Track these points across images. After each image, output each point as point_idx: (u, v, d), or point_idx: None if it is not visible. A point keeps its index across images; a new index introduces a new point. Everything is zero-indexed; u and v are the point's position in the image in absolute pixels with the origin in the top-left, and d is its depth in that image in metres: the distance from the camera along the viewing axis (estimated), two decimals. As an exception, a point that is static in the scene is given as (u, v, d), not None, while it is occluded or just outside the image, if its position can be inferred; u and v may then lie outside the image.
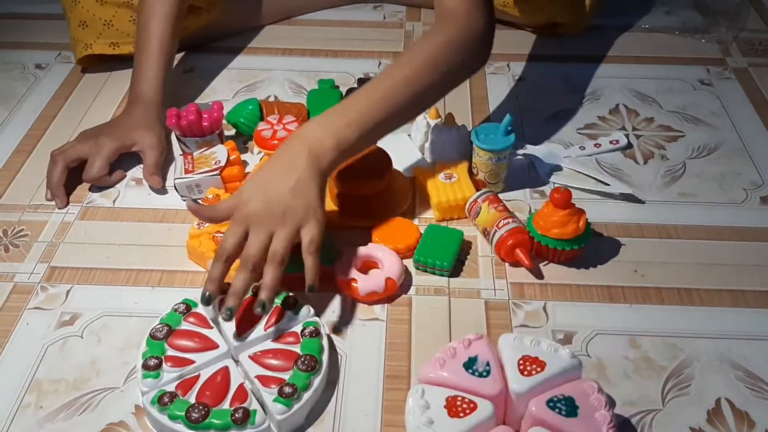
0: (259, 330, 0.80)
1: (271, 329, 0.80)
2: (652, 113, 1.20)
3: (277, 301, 0.82)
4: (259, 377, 0.76)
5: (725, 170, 1.09)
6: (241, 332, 0.79)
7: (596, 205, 1.01)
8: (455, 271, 0.93)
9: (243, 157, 1.09)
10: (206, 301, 0.79)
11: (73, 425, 0.76)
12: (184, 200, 1.03)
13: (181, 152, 1.09)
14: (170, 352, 0.78)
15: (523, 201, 1.04)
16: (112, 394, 0.79)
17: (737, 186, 1.06)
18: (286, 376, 0.76)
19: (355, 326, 0.87)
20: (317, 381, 0.77)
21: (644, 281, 0.92)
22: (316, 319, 0.83)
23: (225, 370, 0.77)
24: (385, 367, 0.82)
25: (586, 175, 1.07)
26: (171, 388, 0.75)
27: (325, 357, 0.79)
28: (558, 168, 1.09)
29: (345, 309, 0.89)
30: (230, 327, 0.80)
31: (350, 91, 1.20)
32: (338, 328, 0.86)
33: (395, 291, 0.90)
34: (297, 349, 0.79)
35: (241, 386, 0.75)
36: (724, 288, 0.91)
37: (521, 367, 0.74)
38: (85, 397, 0.79)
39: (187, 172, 1.02)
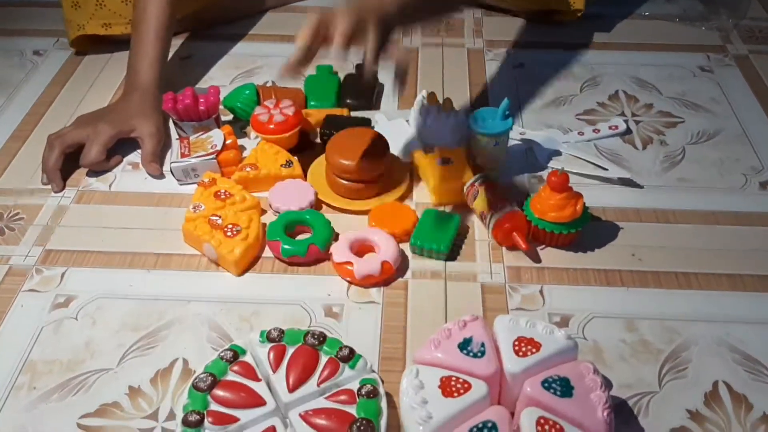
0: (312, 385, 0.74)
1: (325, 384, 0.74)
2: (651, 99, 1.20)
3: (332, 353, 0.77)
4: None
5: (725, 156, 1.08)
6: (293, 386, 0.74)
7: (594, 190, 1.01)
8: (452, 255, 0.93)
9: (240, 141, 1.09)
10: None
11: (67, 406, 0.76)
12: (181, 184, 1.03)
13: (177, 137, 1.08)
14: (213, 407, 0.72)
15: (521, 185, 1.03)
16: (106, 375, 0.79)
17: (736, 171, 1.05)
18: None
19: (351, 309, 0.86)
20: None
21: (642, 265, 0.91)
22: (375, 375, 0.76)
23: (272, 431, 0.71)
24: (380, 349, 0.82)
25: (585, 160, 1.06)
26: None
27: (383, 422, 0.71)
28: (557, 153, 1.08)
29: (340, 291, 0.88)
30: (280, 380, 0.74)
31: (349, 77, 1.20)
32: (333, 310, 0.86)
33: (391, 274, 0.90)
34: (352, 410, 0.71)
35: None
36: (723, 272, 0.90)
37: (516, 348, 0.73)
38: (79, 378, 0.79)
39: (183, 156, 1.01)
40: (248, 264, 0.91)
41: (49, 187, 1.03)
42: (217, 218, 0.92)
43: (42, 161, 1.03)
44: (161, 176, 1.05)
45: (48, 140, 1.04)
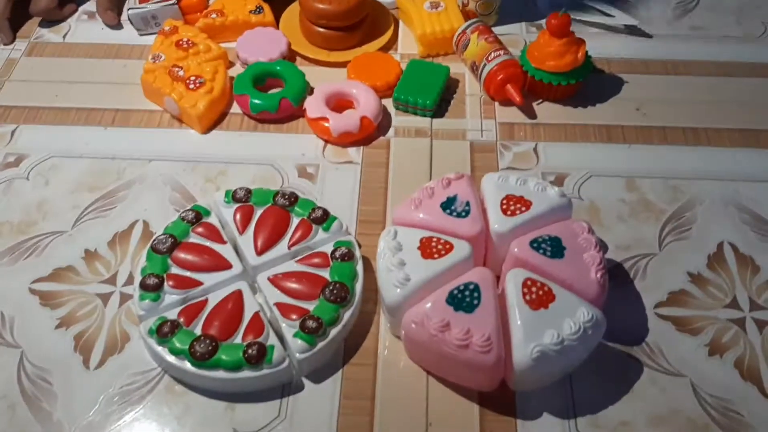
0: (282, 247, 0.68)
1: (296, 247, 0.68)
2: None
3: (304, 214, 0.70)
4: (279, 305, 0.64)
5: (743, 1, 0.97)
6: (262, 249, 0.68)
7: (598, 39, 0.91)
8: (439, 110, 0.85)
9: (206, -13, 0.98)
10: None
11: (18, 269, 0.70)
12: (140, 34, 0.93)
13: (134, -20, 0.97)
14: (174, 270, 0.66)
15: (518, 35, 0.93)
16: (61, 238, 0.73)
17: (755, 18, 0.95)
18: (310, 306, 0.63)
19: (327, 169, 0.79)
20: (347, 315, 0.64)
21: (647, 120, 0.83)
22: (351, 238, 0.70)
23: (237, 295, 0.65)
24: (358, 211, 0.75)
25: (589, 5, 0.95)
26: (173, 315, 0.63)
27: (358, 286, 0.66)
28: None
29: (315, 150, 0.81)
30: (248, 243, 0.68)
31: None
32: (307, 171, 0.79)
33: (371, 131, 0.82)
34: (325, 274, 0.66)
35: (256, 315, 0.63)
36: (735, 127, 0.82)
37: (504, 206, 0.67)
38: (31, 240, 0.73)
39: (141, 1, 0.91)
40: (213, 120, 0.83)
41: (-3, 38, 0.93)
42: (179, 69, 0.83)
43: None
44: (119, 26, 0.95)
45: None
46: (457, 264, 0.62)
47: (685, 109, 0.84)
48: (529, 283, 0.61)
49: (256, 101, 0.82)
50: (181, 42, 0.86)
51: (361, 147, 0.81)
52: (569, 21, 0.79)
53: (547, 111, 0.84)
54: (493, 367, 0.58)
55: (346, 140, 0.81)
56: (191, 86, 0.82)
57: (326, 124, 0.80)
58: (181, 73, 0.83)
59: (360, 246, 0.69)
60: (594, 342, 0.61)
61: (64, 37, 0.94)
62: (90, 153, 0.80)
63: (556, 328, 0.58)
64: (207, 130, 0.82)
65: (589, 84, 0.85)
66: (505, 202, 0.67)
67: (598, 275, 0.62)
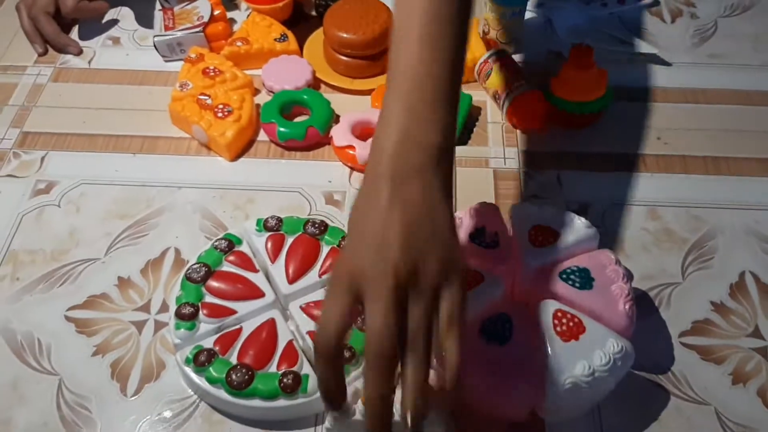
0: (313, 276, 0.69)
1: (328, 275, 0.68)
2: (682, -33, 1.09)
3: (334, 242, 0.71)
4: (312, 334, 0.64)
5: (760, 30, 0.99)
6: (293, 277, 0.69)
7: (618, 68, 0.92)
8: (462, 138, 0.86)
9: (229, 14, 0.99)
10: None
11: (52, 297, 0.71)
12: (166, 61, 0.94)
13: (160, 7, 0.98)
14: (208, 299, 0.67)
15: (538, 62, 0.94)
16: (94, 266, 0.74)
17: (773, 47, 0.97)
18: None
19: (353, 196, 0.80)
20: None
21: (667, 149, 0.85)
22: None
23: (271, 324, 0.66)
24: (385, 238, 0.76)
25: (609, 34, 0.97)
26: (209, 343, 0.64)
27: None
28: (578, 27, 0.99)
29: (341, 178, 0.82)
30: (279, 271, 0.69)
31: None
32: (334, 198, 0.80)
33: None
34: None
35: (290, 344, 0.64)
36: (754, 156, 0.84)
37: (533, 237, 0.68)
38: (65, 268, 0.74)
39: (167, 28, 0.92)
40: (242, 148, 0.84)
41: (24, 64, 0.95)
42: (207, 98, 0.84)
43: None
44: (145, 50, 0.96)
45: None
46: (488, 296, 0.63)
47: (705, 137, 0.86)
48: (559, 314, 0.62)
49: (283, 129, 0.83)
50: (207, 70, 0.87)
51: (386, 174, 0.82)
52: (592, 53, 0.81)
53: (569, 139, 0.86)
54: (522, 408, 0.60)
55: (371, 167, 0.82)
56: (219, 114, 0.83)
57: (352, 152, 0.81)
58: (209, 101, 0.84)
59: (389, 275, 0.70)
60: (623, 372, 0.62)
61: (89, 62, 0.95)
62: (119, 180, 0.82)
63: (587, 360, 0.59)
64: (235, 158, 0.84)
65: (609, 112, 0.87)
66: (533, 232, 0.68)
67: (627, 306, 0.63)
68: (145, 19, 0.99)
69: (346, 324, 0.50)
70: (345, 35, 0.88)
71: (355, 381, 0.61)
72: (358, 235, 0.51)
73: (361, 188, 0.53)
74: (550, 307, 0.63)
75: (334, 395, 0.52)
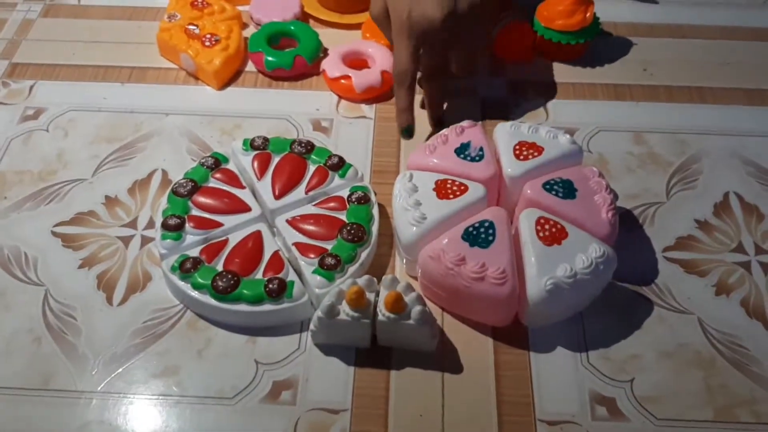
0: (300, 192, 0.69)
1: (313, 192, 0.70)
2: None
3: (320, 161, 0.72)
4: (298, 245, 0.65)
5: (748, -29, 1.00)
6: (280, 193, 0.70)
7: (606, 4, 0.92)
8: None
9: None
10: (409, 133, 0.78)
11: (39, 214, 0.72)
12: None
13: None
14: (195, 212, 0.68)
15: (526, -2, 0.95)
16: (81, 185, 0.74)
17: (760, -14, 0.97)
18: (328, 245, 0.65)
19: (341, 123, 0.81)
20: (365, 254, 0.66)
21: (653, 79, 0.85)
22: (366, 183, 0.72)
23: (257, 236, 0.66)
24: (372, 162, 0.77)
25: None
26: (195, 253, 0.65)
27: (374, 228, 0.67)
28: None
29: (329, 106, 0.82)
30: (266, 187, 0.70)
31: None
32: (322, 124, 0.80)
33: (391, 86, 0.83)
34: (342, 216, 0.68)
35: (275, 254, 0.65)
36: (739, 86, 0.84)
37: (517, 152, 0.68)
38: (53, 188, 0.74)
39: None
40: (229, 77, 0.84)
41: (13, 1, 0.95)
42: (195, 27, 0.85)
43: None
44: None
45: None
46: (472, 204, 0.64)
47: (690, 69, 0.86)
48: (542, 221, 0.62)
49: (271, 58, 0.83)
50: (195, 2, 0.88)
51: (374, 103, 0.83)
52: (578, -21, 0.81)
53: (556, 70, 0.86)
54: (507, 299, 0.60)
55: (369, 96, 0.82)
56: (207, 44, 0.83)
57: (345, 82, 0.81)
58: (196, 31, 0.84)
59: (375, 194, 0.71)
60: (605, 277, 0.63)
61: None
62: (108, 107, 0.82)
63: (568, 262, 0.60)
64: (223, 87, 0.84)
65: (596, 45, 0.87)
66: (517, 147, 0.69)
67: (609, 215, 0.64)
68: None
69: (415, 61, 0.74)
70: (334, -32, 0.88)
71: (340, 284, 0.61)
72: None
73: None
74: (533, 214, 0.63)
75: (408, 112, 0.77)
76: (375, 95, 0.83)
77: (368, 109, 0.82)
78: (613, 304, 0.66)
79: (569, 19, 0.82)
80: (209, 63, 0.82)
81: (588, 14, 0.83)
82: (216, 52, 0.82)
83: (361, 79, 0.82)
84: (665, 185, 0.75)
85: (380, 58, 0.84)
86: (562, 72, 0.86)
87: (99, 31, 0.91)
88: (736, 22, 0.92)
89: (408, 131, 0.77)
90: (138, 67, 0.86)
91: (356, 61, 0.85)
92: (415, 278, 0.67)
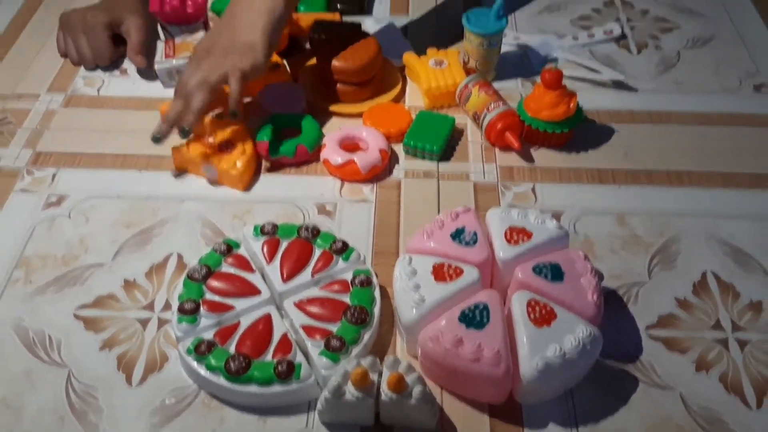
0: (306, 275, 0.74)
1: (319, 275, 0.74)
2: (647, 5, 1.18)
3: (325, 246, 0.77)
4: (305, 327, 0.70)
5: (719, 59, 1.07)
6: (287, 276, 0.74)
7: (589, 93, 1.00)
8: (445, 155, 0.93)
9: (229, 47, 1.07)
10: (157, 141, 0.87)
11: (63, 298, 0.77)
12: (165, 87, 1.01)
13: (164, 38, 1.06)
14: (208, 296, 0.72)
15: (514, 89, 1.02)
16: (102, 270, 0.79)
17: (731, 74, 1.05)
18: (333, 327, 0.70)
19: (344, 206, 0.86)
20: (367, 335, 0.70)
21: (634, 164, 0.91)
22: (368, 267, 0.76)
23: (267, 318, 0.71)
24: (373, 244, 0.82)
25: (579, 64, 1.05)
26: (209, 335, 0.69)
27: (376, 310, 0.72)
28: (551, 58, 1.07)
29: (333, 190, 0.88)
30: (275, 271, 0.75)
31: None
32: (326, 208, 0.86)
33: (388, 161, 0.90)
34: (346, 299, 0.72)
35: (284, 336, 0.69)
36: (715, 170, 0.91)
37: (508, 236, 0.74)
38: (75, 272, 0.79)
39: (167, 56, 0.99)
40: (251, 178, 0.90)
41: (36, 93, 1.02)
42: (209, 137, 0.90)
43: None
44: (148, 73, 1.03)
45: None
46: (468, 286, 0.69)
47: (668, 154, 0.93)
48: (533, 303, 0.67)
49: (275, 146, 0.90)
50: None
51: (375, 186, 0.89)
52: (561, 74, 0.88)
53: (543, 156, 0.92)
54: (502, 378, 0.65)
55: (372, 174, 0.89)
56: (225, 150, 0.88)
57: (354, 165, 0.88)
58: (211, 140, 0.90)
59: (377, 275, 0.76)
60: (593, 356, 0.67)
61: (98, 90, 1.02)
62: (126, 194, 0.88)
63: (558, 343, 0.65)
64: (247, 188, 0.89)
65: (580, 132, 0.94)
66: (508, 232, 0.74)
67: (595, 297, 0.69)
68: (153, 50, 1.06)
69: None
70: (336, 63, 0.95)
71: (345, 365, 0.65)
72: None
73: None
74: (524, 297, 0.68)
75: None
76: (377, 173, 0.89)
77: (369, 193, 0.88)
78: (601, 381, 0.70)
79: (554, 110, 0.89)
80: (233, 168, 0.87)
81: (572, 105, 0.90)
82: (236, 156, 0.88)
83: (363, 160, 0.88)
84: (647, 265, 0.80)
85: (372, 138, 0.90)
86: (548, 158, 0.92)
87: (117, 121, 0.97)
88: (711, 108, 0.99)
89: (157, 140, 0.87)
90: (154, 155, 0.92)
91: (350, 145, 0.92)
92: (416, 357, 0.71)
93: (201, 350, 0.68)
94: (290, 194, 0.88)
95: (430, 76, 0.98)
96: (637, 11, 1.16)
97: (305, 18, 1.08)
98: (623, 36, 1.11)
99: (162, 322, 0.75)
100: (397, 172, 0.91)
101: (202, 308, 0.72)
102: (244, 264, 0.76)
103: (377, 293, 0.74)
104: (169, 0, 1.02)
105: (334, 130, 0.94)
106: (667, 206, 0.86)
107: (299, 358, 0.68)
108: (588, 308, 0.68)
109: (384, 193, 0.88)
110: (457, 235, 0.74)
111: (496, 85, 1.00)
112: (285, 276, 0.75)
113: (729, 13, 1.16)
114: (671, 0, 1.19)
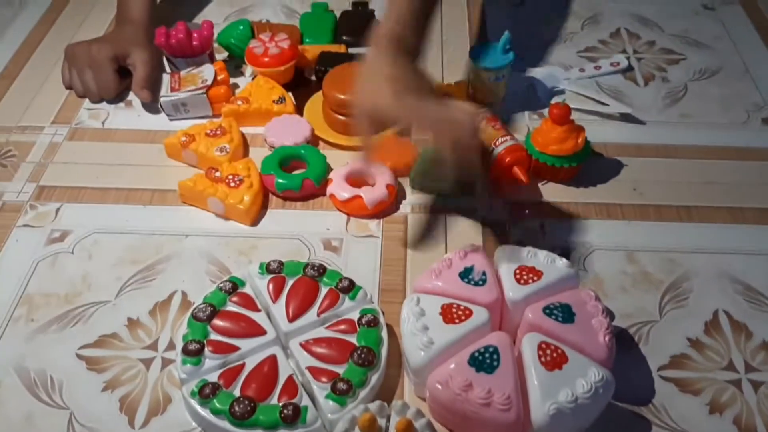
0: (312, 315, 0.73)
1: (325, 314, 0.73)
2: (653, 37, 1.18)
3: (332, 284, 0.76)
4: (311, 369, 0.69)
5: (727, 92, 1.07)
6: (293, 316, 0.73)
7: (596, 126, 0.99)
8: (454, 192, 0.92)
9: (235, 79, 1.07)
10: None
11: (65, 337, 0.75)
12: (171, 119, 1.01)
13: (169, 71, 1.06)
14: (213, 336, 0.71)
15: (521, 122, 1.01)
16: (105, 308, 0.78)
17: (739, 107, 1.04)
18: (340, 369, 0.68)
19: (350, 242, 0.86)
20: (375, 378, 0.69)
21: (643, 199, 0.90)
22: (375, 306, 0.76)
23: (272, 360, 0.70)
24: (380, 281, 0.81)
25: (586, 96, 1.05)
26: (213, 378, 0.68)
27: (384, 351, 0.71)
28: (558, 90, 1.06)
29: (339, 225, 0.88)
30: (280, 310, 0.74)
31: (345, 14, 1.17)
32: (332, 244, 0.85)
33: (395, 197, 0.90)
34: (353, 339, 0.71)
35: (290, 378, 0.68)
36: (724, 205, 0.90)
37: (517, 276, 0.73)
38: (77, 310, 0.78)
39: (172, 90, 0.99)
40: (258, 212, 0.89)
41: (41, 125, 1.01)
42: (216, 171, 0.89)
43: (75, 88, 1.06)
44: (153, 107, 1.03)
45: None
46: (477, 328, 0.68)
47: (677, 189, 0.92)
48: (543, 345, 0.66)
49: (281, 180, 0.89)
50: (210, 131, 0.94)
51: (381, 222, 0.88)
52: (569, 110, 0.88)
53: (551, 190, 0.92)
54: (513, 424, 0.63)
55: (379, 209, 0.88)
56: (232, 185, 0.88)
57: (361, 200, 0.87)
58: (219, 174, 0.89)
59: (383, 314, 0.75)
60: (605, 400, 0.66)
61: (103, 123, 1.02)
62: (130, 229, 0.87)
63: (570, 387, 0.64)
64: (254, 223, 0.88)
65: (588, 166, 0.93)
66: (518, 272, 0.73)
67: (606, 338, 0.68)
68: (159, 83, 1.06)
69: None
70: (342, 96, 0.95)
71: (352, 409, 0.64)
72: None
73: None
74: (534, 339, 0.67)
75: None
76: (383, 208, 0.89)
77: (376, 228, 0.87)
78: (613, 424, 0.69)
79: (562, 144, 0.88)
80: (240, 202, 0.86)
81: (579, 140, 0.89)
82: (243, 191, 0.87)
83: (370, 195, 0.87)
84: (658, 304, 0.79)
85: (378, 173, 0.90)
86: (556, 192, 0.91)
87: (122, 154, 0.97)
88: (719, 142, 0.98)
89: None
90: (159, 190, 0.91)
91: (357, 180, 0.91)
92: (424, 399, 0.70)
93: (205, 393, 0.67)
94: (296, 229, 0.87)
95: (436, 109, 0.97)
96: (644, 43, 1.16)
97: (311, 50, 1.08)
98: (630, 68, 1.11)
99: (166, 362, 0.73)
100: (404, 207, 0.90)
101: (206, 349, 0.70)
102: (249, 303, 0.75)
103: (384, 333, 0.73)
104: (174, 33, 1.02)
105: (341, 162, 0.93)
106: (677, 242, 0.85)
107: (305, 401, 0.67)
108: (600, 350, 0.67)
109: (390, 228, 0.87)
110: (466, 274, 0.73)
111: (503, 118, 1.00)
112: (291, 315, 0.74)
113: (736, 44, 1.16)
114: (678, 31, 1.19)
